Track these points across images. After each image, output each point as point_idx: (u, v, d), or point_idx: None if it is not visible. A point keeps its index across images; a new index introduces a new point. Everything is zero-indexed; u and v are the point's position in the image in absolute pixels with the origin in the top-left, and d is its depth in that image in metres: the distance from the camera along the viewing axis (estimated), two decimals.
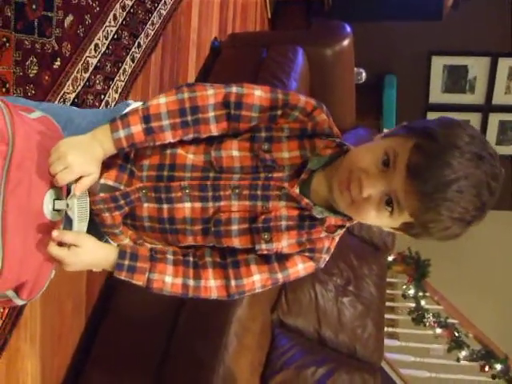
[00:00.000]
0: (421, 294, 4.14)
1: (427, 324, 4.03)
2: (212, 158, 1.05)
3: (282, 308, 2.55)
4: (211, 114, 1.03)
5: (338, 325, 2.75)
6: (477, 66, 5.23)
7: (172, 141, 1.04)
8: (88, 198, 1.03)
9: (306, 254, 1.07)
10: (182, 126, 1.03)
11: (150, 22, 2.69)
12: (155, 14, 2.74)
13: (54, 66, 1.92)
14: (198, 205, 1.06)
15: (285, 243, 1.05)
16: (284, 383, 2.30)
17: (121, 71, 2.42)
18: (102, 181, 1.07)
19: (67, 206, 1.00)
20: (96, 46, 2.19)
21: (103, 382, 2.11)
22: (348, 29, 3.51)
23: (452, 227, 0.94)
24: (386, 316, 3.42)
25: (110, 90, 2.34)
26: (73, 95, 2.04)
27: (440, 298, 4.20)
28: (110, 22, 2.30)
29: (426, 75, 5.29)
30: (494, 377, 3.89)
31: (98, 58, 2.21)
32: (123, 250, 1.05)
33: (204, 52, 3.41)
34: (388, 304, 3.71)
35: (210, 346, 2.04)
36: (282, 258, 1.06)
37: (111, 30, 2.32)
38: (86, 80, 2.12)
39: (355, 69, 3.98)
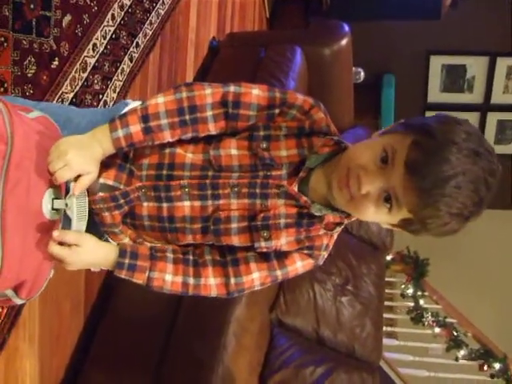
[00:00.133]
0: (419, 293, 4.14)
1: (426, 323, 4.04)
2: (211, 156, 1.05)
3: (281, 308, 2.55)
4: (209, 113, 1.03)
5: (337, 324, 2.75)
6: (475, 66, 5.24)
7: (171, 140, 1.04)
8: (87, 198, 1.03)
9: (305, 251, 1.07)
10: (180, 125, 1.03)
11: (148, 21, 2.69)
12: (153, 13, 2.74)
13: (52, 66, 1.92)
14: (197, 203, 1.06)
15: (284, 241, 1.05)
16: (283, 383, 2.30)
17: (119, 71, 2.42)
18: (102, 180, 1.07)
19: (66, 205, 1.00)
20: (94, 45, 2.19)
21: (102, 381, 2.11)
22: (346, 28, 3.51)
23: (450, 223, 0.95)
24: (385, 315, 3.42)
25: (108, 90, 2.33)
26: (71, 95, 2.04)
27: (439, 298, 4.20)
28: (108, 22, 2.30)
29: (425, 74, 5.29)
30: (492, 376, 3.90)
31: (96, 57, 2.21)
32: (123, 248, 1.06)
33: (202, 51, 3.41)
34: (387, 303, 3.70)
35: (208, 345, 2.04)
36: (281, 256, 1.07)
37: (109, 30, 2.32)
38: (84, 80, 2.12)
39: (353, 68, 3.98)
